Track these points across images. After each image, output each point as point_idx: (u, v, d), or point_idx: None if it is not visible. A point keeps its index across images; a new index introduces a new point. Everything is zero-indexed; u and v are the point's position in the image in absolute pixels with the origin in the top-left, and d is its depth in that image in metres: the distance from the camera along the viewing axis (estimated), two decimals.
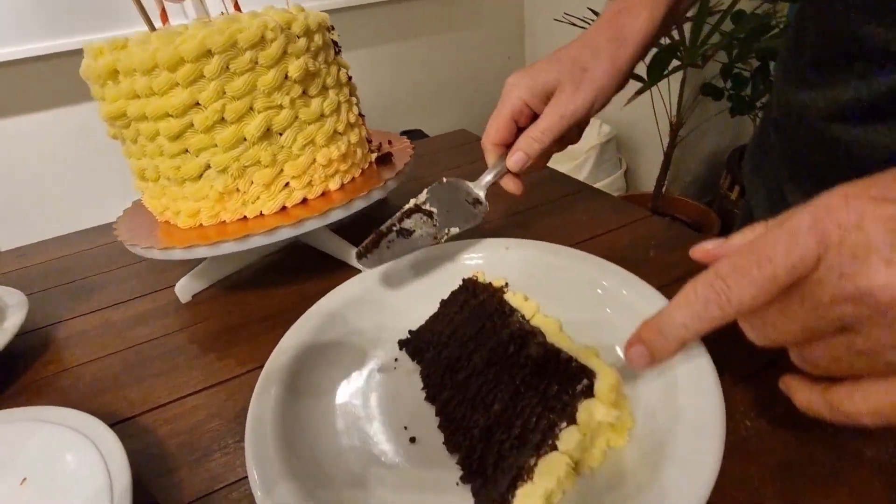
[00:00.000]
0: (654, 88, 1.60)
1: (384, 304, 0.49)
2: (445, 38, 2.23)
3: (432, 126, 2.19)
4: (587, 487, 0.30)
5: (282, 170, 0.51)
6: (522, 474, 0.30)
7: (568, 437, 0.30)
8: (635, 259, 0.55)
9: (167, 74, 0.44)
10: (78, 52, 0.51)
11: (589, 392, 0.31)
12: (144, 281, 0.67)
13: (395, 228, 0.45)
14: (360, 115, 0.62)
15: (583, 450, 0.31)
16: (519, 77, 0.46)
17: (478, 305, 0.43)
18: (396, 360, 0.44)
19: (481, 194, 0.48)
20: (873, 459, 0.31)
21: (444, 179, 0.49)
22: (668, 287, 0.41)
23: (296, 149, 0.51)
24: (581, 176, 1.95)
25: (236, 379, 0.46)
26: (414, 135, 1.99)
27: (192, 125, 0.47)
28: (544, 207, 0.70)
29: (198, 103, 0.46)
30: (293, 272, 0.62)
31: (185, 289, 0.59)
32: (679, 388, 0.33)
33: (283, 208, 0.53)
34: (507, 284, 0.44)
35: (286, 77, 0.49)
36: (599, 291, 0.43)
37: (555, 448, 0.30)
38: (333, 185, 0.55)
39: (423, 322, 0.46)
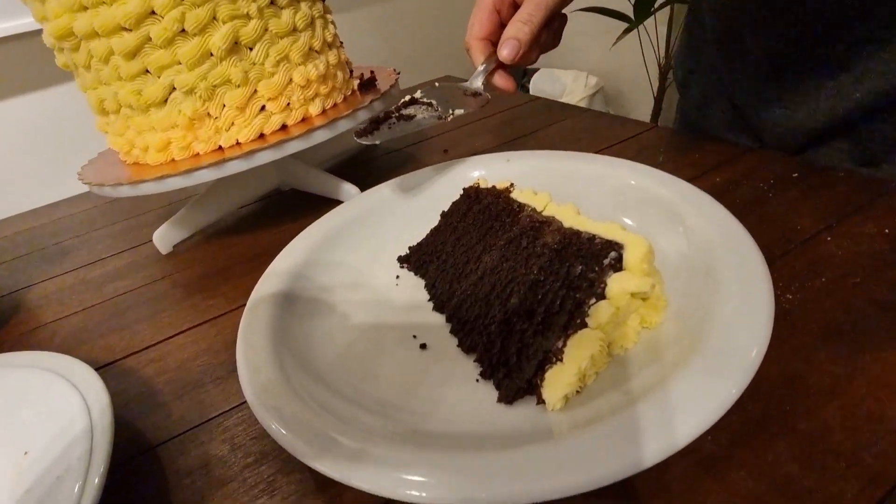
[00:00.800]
0: (641, 32, 1.55)
1: (382, 226, 0.45)
2: None
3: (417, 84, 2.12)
4: (621, 368, 0.27)
5: (255, 90, 0.47)
6: (550, 357, 0.27)
7: (599, 312, 0.27)
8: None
9: None
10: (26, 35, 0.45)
11: (618, 266, 0.28)
12: (121, 239, 0.62)
13: (394, 115, 0.43)
14: (339, 39, 0.57)
15: (615, 326, 0.27)
16: None
17: (482, 209, 0.39)
18: (398, 277, 0.40)
19: (479, 86, 0.44)
20: None
21: (437, 83, 0.45)
22: None
23: (269, 66, 0.46)
24: None
25: (225, 315, 0.43)
26: None
27: (149, 39, 0.42)
28: (541, 132, 0.66)
29: (153, 12, 0.41)
30: (279, 217, 0.58)
31: (164, 238, 0.55)
32: (717, 261, 0.30)
33: (262, 136, 0.49)
34: (512, 185, 0.40)
35: None
36: (613, 182, 0.40)
37: (584, 326, 0.27)
38: (314, 109, 0.51)
39: (421, 239, 0.43)
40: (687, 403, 0.22)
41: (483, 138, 0.68)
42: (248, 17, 0.44)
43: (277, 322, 0.33)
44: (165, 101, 0.45)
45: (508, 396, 0.27)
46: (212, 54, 0.44)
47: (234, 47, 0.45)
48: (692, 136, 0.55)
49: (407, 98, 0.44)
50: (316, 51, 0.50)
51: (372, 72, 0.63)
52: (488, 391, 0.28)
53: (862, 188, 0.40)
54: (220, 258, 0.52)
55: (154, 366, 0.38)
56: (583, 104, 1.91)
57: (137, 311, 0.46)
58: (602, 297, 0.27)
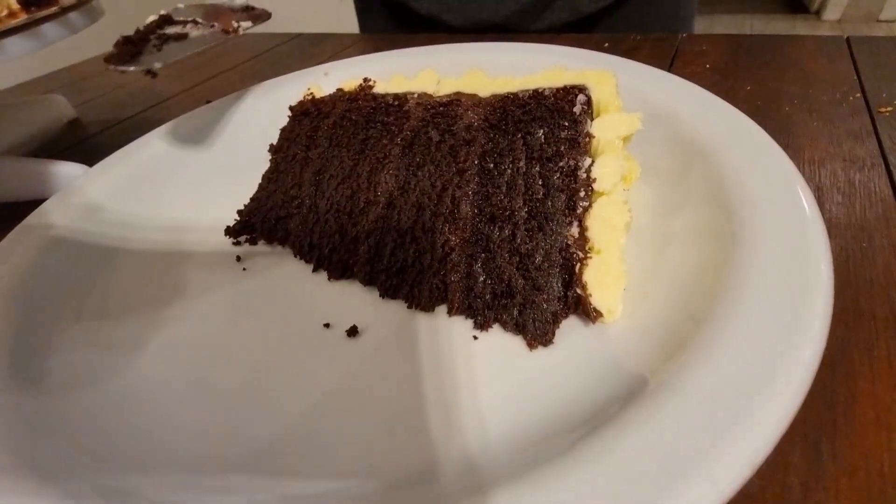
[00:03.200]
0: None
1: (169, 196, 0.27)
2: None
3: None
4: (638, 242, 0.21)
5: None
6: (574, 254, 0.18)
7: (605, 171, 0.19)
8: None
9: None
10: None
11: (590, 111, 0.21)
12: None
13: (153, 37, 0.27)
14: None
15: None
16: None
17: (337, 122, 0.26)
18: (239, 258, 0.24)
19: None
20: None
21: (180, 4, 0.31)
22: None
23: None
24: None
25: None
26: None
27: None
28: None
29: None
30: None
31: None
32: (672, 108, 0.25)
33: None
34: (367, 79, 0.28)
35: None
36: (498, 62, 0.32)
37: (590, 196, 0.19)
38: None
39: (252, 194, 0.27)
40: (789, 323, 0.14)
41: (250, 83, 0.51)
42: None
43: (16, 414, 0.15)
44: None
45: (545, 333, 0.17)
46: None
47: None
48: (500, 35, 0.52)
49: (153, 18, 0.29)
50: None
51: None
52: (502, 344, 0.18)
53: (660, 43, 0.43)
54: None
55: None
56: None
57: None
58: (591, 154, 0.20)
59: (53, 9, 0.30)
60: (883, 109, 0.29)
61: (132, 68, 0.24)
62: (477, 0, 0.54)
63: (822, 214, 0.22)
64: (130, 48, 0.26)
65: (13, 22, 0.27)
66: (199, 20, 0.29)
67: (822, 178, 0.25)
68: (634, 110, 0.22)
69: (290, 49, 0.59)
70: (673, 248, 0.19)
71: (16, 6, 0.34)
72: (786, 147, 0.27)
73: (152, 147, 0.29)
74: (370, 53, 0.37)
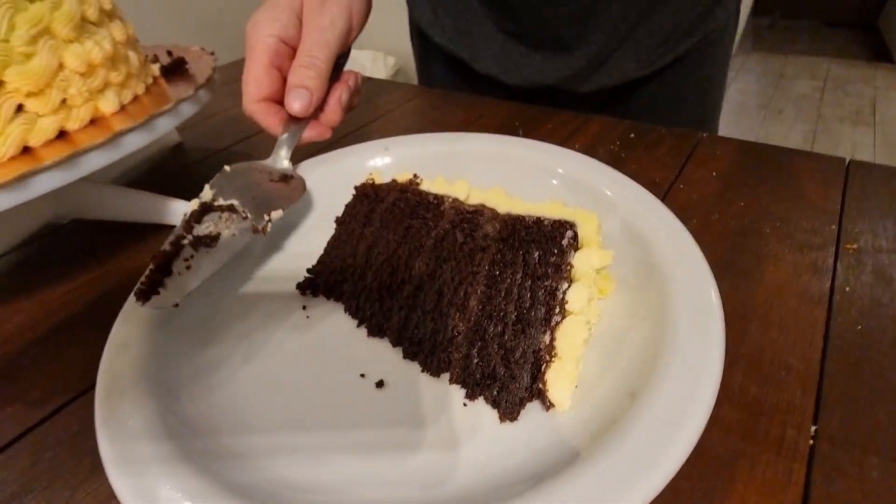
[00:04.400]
0: None
1: (254, 256, 0.36)
2: None
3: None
4: (595, 346, 0.27)
5: (1, 82, 0.31)
6: (543, 356, 0.25)
7: (576, 296, 0.26)
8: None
9: None
10: None
11: (576, 244, 0.27)
12: None
13: (186, 241, 0.30)
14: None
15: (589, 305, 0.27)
16: (259, 14, 0.36)
17: (389, 209, 0.34)
18: (305, 307, 0.32)
19: (287, 166, 0.35)
20: None
21: (227, 168, 0.34)
22: None
23: (18, 42, 0.31)
24: None
25: (40, 427, 0.28)
26: None
27: None
28: (389, 117, 0.62)
29: None
30: (81, 257, 0.41)
31: None
32: (643, 229, 0.31)
33: (27, 150, 0.33)
34: (416, 176, 0.36)
35: None
36: (516, 159, 0.39)
37: (564, 313, 0.26)
38: (107, 105, 0.36)
39: (319, 256, 0.35)
40: (684, 400, 0.21)
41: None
42: None
43: (164, 418, 0.23)
44: None
45: (512, 412, 0.24)
46: None
47: None
48: (540, 108, 0.58)
49: (195, 206, 0.31)
50: (92, 22, 0.36)
51: (172, 52, 0.49)
52: (483, 414, 0.25)
53: (680, 140, 0.49)
54: None
55: None
56: None
57: None
58: (570, 279, 0.27)
59: (190, 92, 0.39)
60: (849, 246, 0.34)
61: (155, 306, 0.27)
62: (532, 63, 0.60)
63: (763, 344, 0.27)
64: (162, 269, 0.29)
65: (164, 107, 0.37)
66: (236, 205, 0.31)
67: (772, 309, 0.30)
68: (616, 229, 0.28)
69: None
70: (622, 355, 0.26)
71: (157, 73, 0.44)
72: (752, 273, 0.32)
73: None
74: (427, 132, 0.44)
